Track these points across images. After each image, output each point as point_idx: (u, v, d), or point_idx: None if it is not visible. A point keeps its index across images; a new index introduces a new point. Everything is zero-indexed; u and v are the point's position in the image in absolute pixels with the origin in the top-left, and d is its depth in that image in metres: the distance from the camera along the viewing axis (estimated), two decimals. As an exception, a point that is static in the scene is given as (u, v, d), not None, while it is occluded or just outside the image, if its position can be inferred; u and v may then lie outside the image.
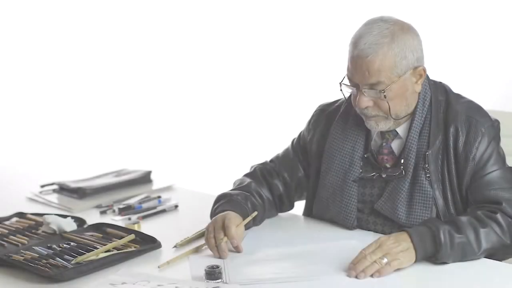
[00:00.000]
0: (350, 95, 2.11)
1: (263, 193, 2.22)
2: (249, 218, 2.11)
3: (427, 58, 2.04)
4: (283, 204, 2.29)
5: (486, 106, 2.12)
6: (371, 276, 1.83)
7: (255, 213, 2.14)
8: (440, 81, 2.15)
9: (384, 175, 2.09)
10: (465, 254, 1.90)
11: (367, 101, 2.00)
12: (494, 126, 2.05)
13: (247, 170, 2.34)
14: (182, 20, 4.92)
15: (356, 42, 1.97)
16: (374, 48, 1.94)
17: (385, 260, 1.84)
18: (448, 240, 1.88)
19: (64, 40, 4.99)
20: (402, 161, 2.05)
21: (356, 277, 1.82)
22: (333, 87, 2.12)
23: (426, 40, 2.06)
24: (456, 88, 2.16)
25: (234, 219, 2.04)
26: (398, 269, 1.87)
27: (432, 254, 1.89)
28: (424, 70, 2.03)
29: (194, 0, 4.91)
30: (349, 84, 2.04)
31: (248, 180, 2.25)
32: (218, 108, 4.96)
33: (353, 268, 1.84)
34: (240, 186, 2.23)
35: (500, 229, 1.93)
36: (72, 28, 4.98)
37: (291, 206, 2.32)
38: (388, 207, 2.07)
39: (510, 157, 2.14)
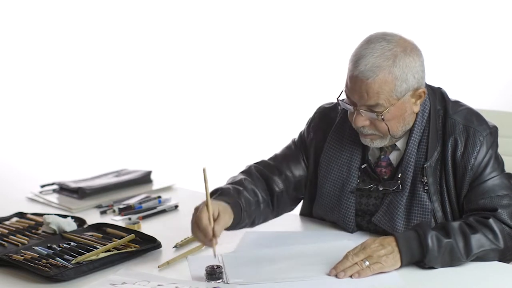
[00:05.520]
0: None
1: (257, 190, 2.13)
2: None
3: (428, 59, 2.02)
4: (281, 202, 2.19)
5: (485, 106, 2.11)
6: (351, 277, 1.83)
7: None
8: (439, 86, 2.11)
9: (381, 188, 2.07)
10: (453, 259, 1.88)
11: (364, 121, 1.97)
12: (492, 134, 2.02)
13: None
14: (182, 20, 4.92)
15: (356, 62, 1.93)
16: (374, 71, 1.90)
17: (367, 263, 1.85)
18: (435, 244, 1.86)
19: (64, 40, 5.00)
20: (400, 175, 2.03)
21: (336, 276, 1.84)
22: (333, 86, 2.10)
23: (426, 41, 2.04)
24: (456, 88, 2.14)
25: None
26: (398, 270, 1.87)
27: (420, 259, 1.88)
28: (424, 92, 1.99)
29: (194, 0, 4.91)
30: (346, 101, 2.00)
31: (241, 176, 2.16)
32: (218, 109, 4.96)
33: (335, 267, 1.85)
34: (232, 182, 2.14)
35: (492, 234, 1.91)
36: (72, 28, 4.98)
37: (290, 206, 2.25)
38: (386, 220, 2.06)
39: (509, 157, 2.14)
